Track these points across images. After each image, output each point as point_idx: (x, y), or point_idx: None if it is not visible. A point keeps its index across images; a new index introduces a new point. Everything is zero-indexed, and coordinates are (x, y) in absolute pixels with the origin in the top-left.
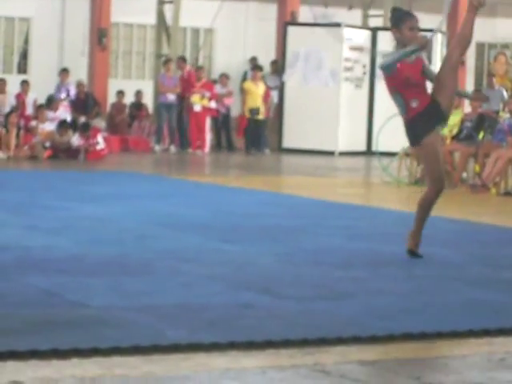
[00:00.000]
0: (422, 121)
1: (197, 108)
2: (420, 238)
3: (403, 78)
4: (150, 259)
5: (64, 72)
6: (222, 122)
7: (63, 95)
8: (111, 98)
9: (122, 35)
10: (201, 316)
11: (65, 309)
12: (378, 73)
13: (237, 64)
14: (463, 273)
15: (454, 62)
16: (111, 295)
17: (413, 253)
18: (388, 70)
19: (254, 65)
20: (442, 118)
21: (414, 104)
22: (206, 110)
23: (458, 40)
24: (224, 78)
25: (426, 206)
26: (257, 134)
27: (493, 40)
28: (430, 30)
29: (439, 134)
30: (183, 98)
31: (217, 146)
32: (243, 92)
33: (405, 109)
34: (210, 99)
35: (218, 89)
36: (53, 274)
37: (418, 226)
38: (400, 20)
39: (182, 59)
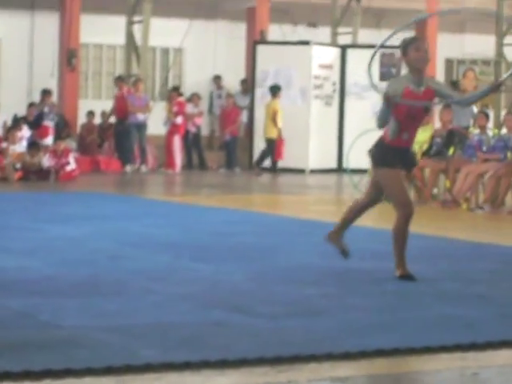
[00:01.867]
0: (400, 155)
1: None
2: (405, 261)
3: (405, 108)
4: (121, 279)
5: (47, 94)
6: (192, 141)
7: (51, 116)
8: (81, 119)
9: (91, 56)
10: (173, 335)
11: (37, 330)
12: (350, 90)
13: (207, 83)
14: (435, 288)
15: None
16: (84, 316)
17: (407, 276)
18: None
19: (276, 86)
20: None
21: (405, 136)
22: (172, 129)
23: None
24: (196, 97)
25: (400, 234)
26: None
27: (461, 56)
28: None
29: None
30: (123, 119)
31: (188, 165)
32: (274, 113)
33: (396, 136)
34: (176, 115)
35: (189, 108)
36: (25, 295)
37: (400, 255)
38: (406, 45)
39: (120, 79)
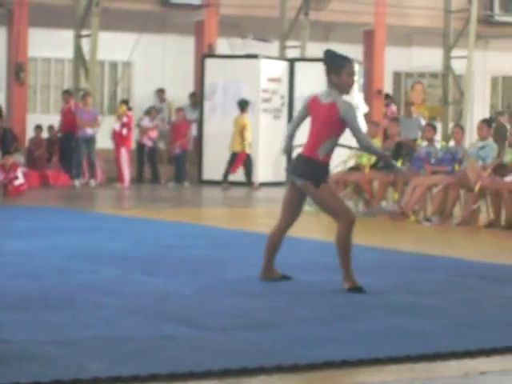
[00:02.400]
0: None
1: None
2: (352, 272)
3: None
4: (70, 293)
5: None
6: (148, 155)
7: None
8: (29, 133)
9: (39, 70)
10: (122, 348)
11: None
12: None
13: (155, 96)
14: (384, 300)
15: None
16: (32, 330)
17: (356, 288)
18: None
19: (244, 101)
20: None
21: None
22: (119, 142)
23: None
24: (153, 111)
25: (345, 245)
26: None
27: (409, 69)
28: None
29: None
30: (70, 132)
31: (138, 178)
32: (242, 127)
33: (327, 153)
34: (123, 126)
35: (145, 122)
36: None
37: (347, 267)
38: (339, 66)
39: (68, 93)
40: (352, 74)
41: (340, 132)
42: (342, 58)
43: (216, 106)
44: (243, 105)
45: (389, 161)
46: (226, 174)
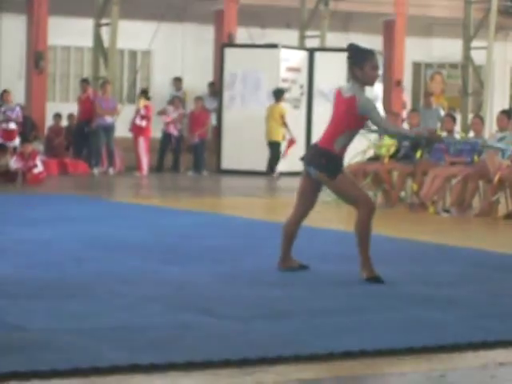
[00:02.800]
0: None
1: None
2: (370, 261)
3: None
4: (89, 282)
5: (6, 93)
6: (175, 145)
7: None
8: (49, 121)
9: (59, 58)
10: (140, 337)
11: (4, 332)
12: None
13: (172, 84)
14: (402, 291)
15: None
16: (51, 318)
17: (374, 278)
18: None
19: (279, 90)
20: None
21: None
22: (137, 132)
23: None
24: (177, 100)
25: (365, 233)
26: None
27: (429, 60)
28: None
29: None
30: (88, 121)
31: (159, 167)
32: (281, 116)
33: (343, 146)
34: (143, 118)
35: (170, 112)
36: None
37: (366, 256)
38: (363, 59)
39: (86, 81)
40: (376, 67)
41: (358, 126)
42: (365, 51)
43: (235, 95)
44: (278, 94)
45: (422, 137)
46: (272, 165)
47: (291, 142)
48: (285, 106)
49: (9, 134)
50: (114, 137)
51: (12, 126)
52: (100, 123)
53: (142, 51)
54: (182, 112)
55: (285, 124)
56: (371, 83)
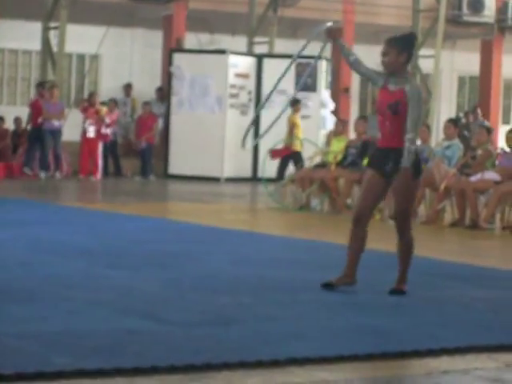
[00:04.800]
0: (374, 155)
1: (91, 134)
2: (350, 274)
3: (377, 104)
4: (34, 285)
5: None
6: (110, 148)
7: None
8: None
9: (6, 61)
10: (86, 342)
11: None
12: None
13: (122, 90)
14: (348, 298)
15: None
16: None
17: (327, 285)
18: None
19: (294, 100)
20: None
21: (379, 134)
22: (99, 135)
23: None
24: (112, 104)
25: (349, 241)
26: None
27: (376, 67)
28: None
29: (374, 175)
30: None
31: (105, 172)
32: (292, 125)
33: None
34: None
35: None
36: None
37: (348, 261)
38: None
39: (41, 85)
40: (382, 54)
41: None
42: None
43: (183, 100)
44: (294, 103)
45: None
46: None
47: (285, 151)
48: (298, 116)
49: None
50: (61, 141)
51: None
52: (47, 127)
53: (90, 55)
54: (117, 115)
55: (291, 133)
56: (384, 69)
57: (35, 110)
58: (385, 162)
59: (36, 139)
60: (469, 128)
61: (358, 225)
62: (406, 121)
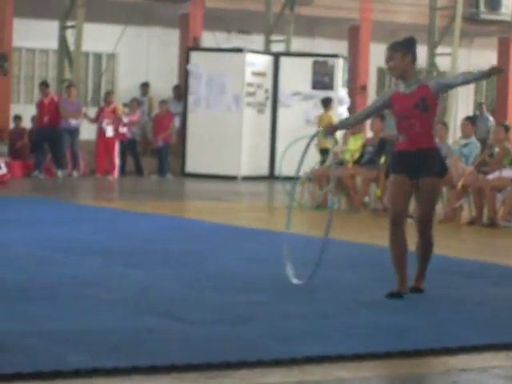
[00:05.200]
0: (399, 159)
1: (109, 133)
2: (405, 276)
3: (394, 110)
4: (51, 284)
5: None
6: (129, 148)
7: None
8: (12, 124)
9: (23, 60)
10: (103, 341)
11: None
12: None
13: (139, 89)
14: (364, 296)
15: None
16: (12, 321)
17: (393, 294)
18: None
19: (326, 99)
20: (413, 171)
21: (402, 138)
22: (117, 134)
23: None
24: (134, 103)
25: (391, 242)
26: None
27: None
28: (333, 56)
29: (403, 178)
30: (54, 125)
31: (122, 170)
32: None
33: (398, 140)
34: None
35: (125, 115)
36: None
37: (396, 267)
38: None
39: (45, 84)
40: (387, 59)
41: (394, 117)
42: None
43: (200, 99)
44: (326, 102)
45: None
46: None
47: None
48: (332, 114)
49: None
50: (78, 139)
51: None
52: (64, 126)
53: (107, 54)
54: (138, 115)
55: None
56: (391, 75)
57: (41, 109)
58: (418, 163)
59: (43, 140)
60: (481, 118)
61: (396, 228)
62: (433, 120)
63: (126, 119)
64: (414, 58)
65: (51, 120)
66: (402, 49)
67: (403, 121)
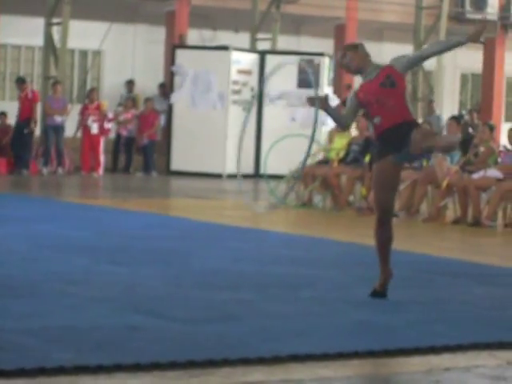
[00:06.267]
0: (381, 142)
1: (94, 130)
2: (386, 274)
3: (360, 101)
4: (36, 281)
5: None
6: (125, 145)
7: None
8: None
9: (9, 57)
10: (87, 338)
11: None
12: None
13: (125, 86)
14: (349, 294)
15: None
16: None
17: (375, 293)
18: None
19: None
20: (398, 147)
21: (376, 120)
22: (102, 131)
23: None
24: (129, 101)
25: (376, 238)
26: None
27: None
28: (318, 54)
29: (393, 162)
30: (28, 120)
31: (113, 168)
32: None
33: (372, 127)
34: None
35: (120, 113)
36: None
37: (380, 262)
38: None
39: (21, 80)
40: (340, 59)
41: (362, 106)
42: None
43: (185, 96)
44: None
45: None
46: None
47: None
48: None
49: None
50: (63, 136)
51: None
52: (50, 123)
53: (92, 51)
54: (133, 113)
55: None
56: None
57: (20, 105)
58: (403, 138)
59: (19, 135)
60: (473, 126)
61: (384, 224)
62: (405, 94)
63: (110, 115)
64: (366, 53)
65: (25, 115)
66: (351, 48)
67: (374, 105)
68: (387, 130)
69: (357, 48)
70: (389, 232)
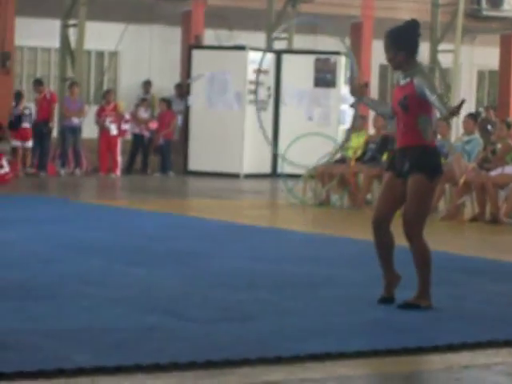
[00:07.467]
0: (390, 157)
1: (113, 132)
2: (388, 279)
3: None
4: (54, 283)
5: None
6: (146, 146)
7: None
8: None
9: (26, 59)
10: (106, 339)
11: None
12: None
13: (142, 87)
14: (367, 293)
15: None
16: (15, 319)
17: (383, 299)
18: None
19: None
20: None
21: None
22: (119, 132)
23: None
24: (146, 102)
25: (374, 243)
26: None
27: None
28: (335, 53)
29: (391, 177)
30: (46, 121)
31: (129, 168)
32: None
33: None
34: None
35: (141, 113)
36: None
37: (382, 267)
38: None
39: (39, 82)
40: (385, 49)
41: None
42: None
43: (202, 97)
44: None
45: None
46: None
47: None
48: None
49: None
50: (80, 138)
51: None
52: (67, 124)
53: (109, 52)
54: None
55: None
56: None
57: (37, 107)
58: (402, 162)
59: (37, 136)
60: (492, 122)
61: (378, 231)
62: (417, 119)
63: (127, 116)
64: (409, 52)
65: (43, 116)
66: (395, 45)
67: (396, 116)
68: (397, 149)
69: (397, 49)
70: (385, 237)
